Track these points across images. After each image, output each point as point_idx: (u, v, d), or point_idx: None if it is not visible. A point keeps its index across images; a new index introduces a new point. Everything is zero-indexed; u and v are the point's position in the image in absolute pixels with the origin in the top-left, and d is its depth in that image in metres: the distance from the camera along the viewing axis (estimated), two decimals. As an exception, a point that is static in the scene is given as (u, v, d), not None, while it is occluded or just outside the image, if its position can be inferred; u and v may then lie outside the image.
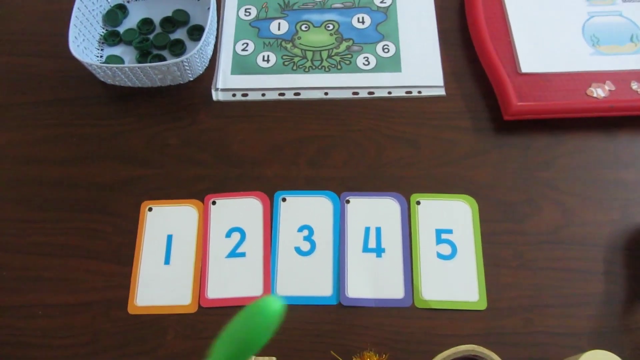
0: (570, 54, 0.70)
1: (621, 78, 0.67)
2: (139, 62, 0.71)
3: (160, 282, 0.59)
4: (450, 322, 0.57)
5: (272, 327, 0.32)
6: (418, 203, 0.63)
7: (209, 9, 0.69)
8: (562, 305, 0.58)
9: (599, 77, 0.68)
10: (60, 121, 0.69)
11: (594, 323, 0.57)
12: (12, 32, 0.75)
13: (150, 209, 0.63)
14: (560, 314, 0.57)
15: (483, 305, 0.58)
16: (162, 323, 0.58)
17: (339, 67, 0.70)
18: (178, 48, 0.72)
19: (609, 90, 0.66)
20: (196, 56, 0.66)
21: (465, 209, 0.62)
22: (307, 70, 0.70)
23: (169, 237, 0.61)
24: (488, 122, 0.67)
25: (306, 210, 0.62)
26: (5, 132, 0.69)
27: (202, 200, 0.63)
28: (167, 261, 0.60)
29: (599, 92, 0.66)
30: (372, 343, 0.56)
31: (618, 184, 0.63)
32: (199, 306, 0.58)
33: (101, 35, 0.73)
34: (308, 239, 0.61)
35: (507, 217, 0.62)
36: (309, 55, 0.71)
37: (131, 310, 0.58)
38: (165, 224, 0.62)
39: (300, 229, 0.62)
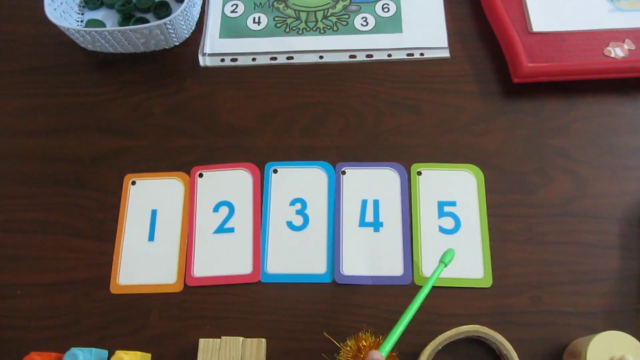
0: (587, 10, 0.64)
1: (642, 36, 0.62)
2: (121, 26, 0.66)
3: (144, 259, 0.56)
4: (453, 301, 0.54)
5: None
6: (419, 173, 0.58)
7: (194, -33, 0.64)
8: (573, 282, 0.54)
9: (618, 35, 0.62)
10: (37, 91, 0.65)
11: (607, 301, 0.53)
12: (-14, -4, 0.71)
13: (133, 183, 0.59)
14: (572, 292, 0.53)
15: (488, 283, 0.54)
16: (146, 303, 0.55)
17: (335, 28, 0.65)
18: (163, 11, 0.67)
19: (629, 50, 0.61)
20: (180, 18, 0.61)
21: (469, 180, 0.58)
22: (300, 32, 0.65)
23: (154, 212, 0.58)
24: (496, 85, 0.62)
25: (299, 182, 0.59)
26: (-19, 103, 0.65)
27: (189, 173, 0.60)
28: (151, 237, 0.57)
29: (617, 51, 0.61)
30: (368, 323, 0.53)
31: (636, 152, 0.59)
32: (185, 285, 0.55)
33: (81, -2, 0.69)
34: (301, 212, 0.57)
35: (515, 188, 0.58)
36: (303, 16, 0.66)
37: (114, 290, 0.55)
38: (150, 198, 0.59)
39: (293, 203, 0.58)
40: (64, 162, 0.61)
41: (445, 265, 0.50)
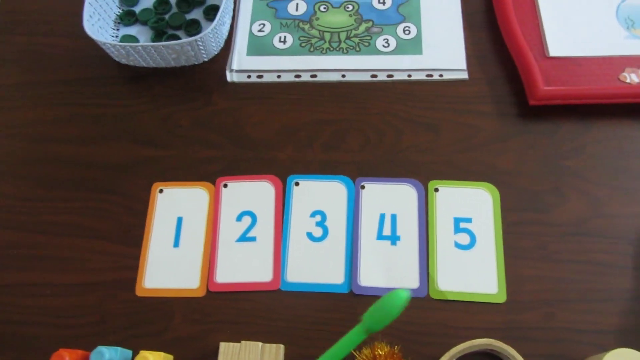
0: (603, 37, 0.66)
1: (657, 63, 0.63)
2: (154, 42, 0.70)
3: (168, 264, 0.58)
4: (467, 315, 0.55)
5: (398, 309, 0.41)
6: (436, 190, 0.60)
7: (225, -12, 0.68)
8: (586, 300, 0.55)
9: (634, 61, 0.64)
10: (74, 101, 0.68)
11: (620, 320, 0.54)
12: (28, 11, 0.75)
13: (161, 191, 0.62)
14: (584, 310, 0.54)
15: (502, 298, 0.55)
16: (169, 306, 0.57)
17: (357, 48, 0.68)
18: (194, 28, 0.70)
19: (644, 76, 0.63)
20: (210, 35, 0.64)
21: (486, 197, 0.60)
22: (324, 51, 0.68)
23: (179, 220, 0.60)
24: (512, 107, 0.64)
25: (319, 195, 0.61)
26: (19, 111, 0.68)
27: (214, 183, 0.62)
28: (176, 244, 0.59)
29: (632, 77, 0.63)
30: (383, 333, 0.54)
31: (650, 174, 0.60)
32: (207, 290, 0.57)
33: (117, 14, 0.72)
34: (321, 224, 0.59)
35: (530, 206, 0.59)
36: (327, 36, 0.69)
37: (139, 292, 0.57)
38: (176, 206, 0.61)
39: (313, 214, 0.60)
40: (95, 169, 0.64)
41: (369, 333, 0.42)
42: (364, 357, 0.51)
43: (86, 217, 0.61)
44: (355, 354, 0.51)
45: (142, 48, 0.64)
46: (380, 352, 0.50)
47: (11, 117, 0.68)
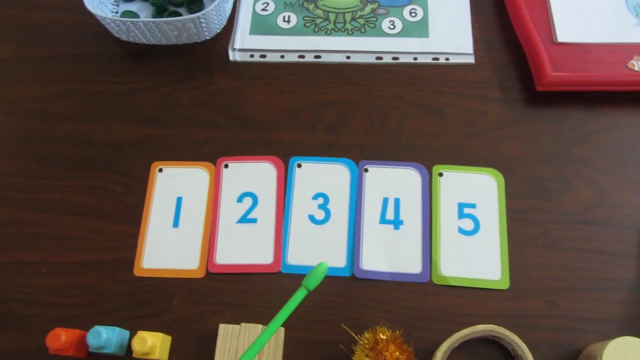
0: (612, 24, 0.65)
1: (667, 50, 0.62)
2: (155, 18, 0.68)
3: (168, 244, 0.57)
4: (470, 301, 0.54)
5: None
6: (440, 175, 0.59)
7: (229, -36, 0.66)
8: (590, 288, 0.54)
9: (642, 49, 0.63)
10: (73, 77, 0.67)
11: (624, 309, 0.53)
12: (27, -16, 0.73)
13: (160, 170, 0.61)
14: (588, 298, 0.54)
15: (505, 285, 0.55)
16: (168, 287, 0.56)
17: (362, 30, 0.67)
18: (196, 5, 0.69)
19: (653, 64, 0.62)
20: (213, 12, 0.63)
21: (490, 183, 0.59)
22: (329, 32, 0.67)
23: (179, 200, 0.59)
24: (519, 92, 0.63)
25: (322, 177, 0.60)
26: (17, 86, 0.67)
27: (214, 163, 0.61)
28: (175, 224, 0.58)
29: (641, 65, 0.62)
30: (385, 318, 0.54)
31: (657, 163, 0.59)
32: (207, 271, 0.56)
33: (117, -10, 0.71)
34: (323, 207, 0.58)
35: (535, 193, 0.58)
36: (332, 17, 0.68)
37: (137, 272, 0.56)
38: (176, 185, 0.60)
39: (315, 197, 0.59)
40: (94, 147, 0.63)
41: (308, 291, 0.46)
42: (366, 342, 0.50)
43: (84, 196, 0.60)
44: (357, 337, 0.51)
45: (144, 24, 0.62)
46: (383, 337, 0.50)
47: (6, 93, 0.67)
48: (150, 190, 0.60)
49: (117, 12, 0.69)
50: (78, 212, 0.59)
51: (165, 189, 0.60)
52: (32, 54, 0.69)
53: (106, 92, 0.66)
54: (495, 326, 0.51)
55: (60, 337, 0.49)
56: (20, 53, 0.69)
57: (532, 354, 0.50)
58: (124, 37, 0.67)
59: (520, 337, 0.50)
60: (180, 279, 0.56)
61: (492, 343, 0.53)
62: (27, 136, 0.64)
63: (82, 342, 0.51)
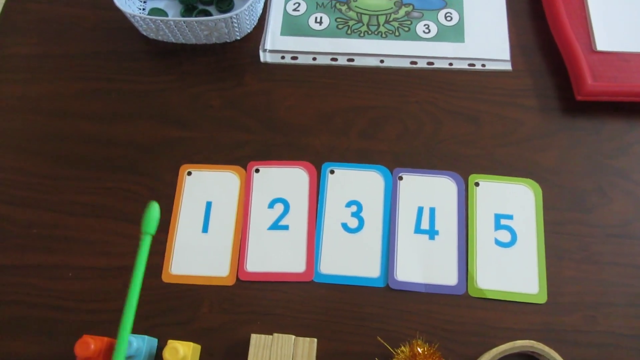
0: (651, 33, 0.64)
1: None
2: (184, 16, 0.66)
3: (197, 250, 0.56)
4: (506, 315, 0.53)
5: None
6: (477, 184, 0.58)
7: (260, -37, 0.65)
8: (629, 304, 0.53)
9: (683, 59, 0.62)
10: (98, 75, 0.65)
11: (664, 326, 0.52)
12: (52, -21, 0.71)
13: (189, 173, 0.59)
14: (627, 314, 0.53)
15: (543, 299, 0.53)
16: (197, 294, 0.54)
17: (396, 33, 0.65)
18: (225, 4, 0.67)
19: (693, 75, 0.61)
20: (246, 13, 0.61)
21: (528, 194, 0.57)
22: (362, 35, 0.65)
23: (208, 204, 0.58)
24: (557, 101, 0.62)
25: (355, 184, 0.58)
26: (40, 83, 0.65)
27: (245, 168, 0.59)
28: (205, 229, 0.57)
29: (681, 75, 0.60)
30: (420, 331, 0.52)
31: (697, 177, 0.58)
32: (237, 279, 0.55)
33: (144, -14, 0.69)
34: (356, 215, 0.57)
35: (573, 205, 0.57)
36: (365, 19, 0.66)
37: (165, 279, 0.55)
38: (205, 189, 0.58)
39: (349, 204, 0.57)
40: (120, 147, 0.61)
41: (152, 235, 0.47)
42: (403, 356, 0.49)
43: (110, 198, 0.59)
44: (393, 351, 0.50)
45: (174, 23, 0.60)
46: (420, 350, 0.48)
47: (29, 90, 0.65)
48: (179, 193, 0.58)
49: (144, 9, 0.68)
50: (102, 215, 0.58)
51: (195, 193, 0.58)
52: (54, 50, 0.67)
53: (132, 92, 0.64)
54: (535, 342, 0.50)
55: (90, 345, 0.48)
56: (42, 49, 0.67)
57: (571, 371, 0.48)
58: (152, 36, 0.65)
59: (558, 353, 0.49)
60: (210, 286, 0.55)
61: (529, 358, 0.51)
62: (50, 135, 0.62)
63: (111, 351, 0.49)
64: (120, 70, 0.65)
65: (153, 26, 0.62)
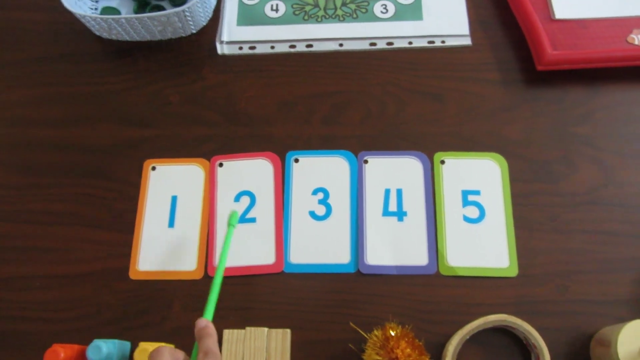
0: (609, -3, 0.63)
1: (667, 23, 0.61)
2: (137, 13, 0.65)
3: (163, 245, 0.55)
4: (479, 290, 0.53)
5: None
6: (442, 162, 0.58)
7: (211, -47, 0.63)
8: (600, 271, 0.53)
9: (642, 22, 0.61)
10: (52, 80, 0.64)
11: (635, 290, 0.52)
12: (-1, -17, 0.70)
13: (153, 168, 0.58)
14: (599, 281, 0.53)
15: (514, 272, 0.53)
16: (167, 293, 0.54)
17: (354, 15, 0.64)
18: (178, -2, 0.66)
19: (653, 37, 0.60)
20: (199, 5, 0.60)
21: (494, 169, 0.57)
22: (319, 20, 0.64)
23: (174, 198, 0.57)
24: (519, 73, 0.61)
25: (321, 171, 0.58)
26: (-5, 92, 0.64)
27: (209, 161, 0.59)
28: (171, 224, 0.56)
29: (641, 38, 0.60)
30: (394, 313, 0.52)
31: (662, 139, 0.58)
32: (206, 273, 0.54)
33: (95, -15, 0.67)
34: (323, 202, 0.57)
35: (540, 176, 0.57)
36: (322, 3, 0.65)
37: (133, 275, 0.54)
38: (170, 184, 0.58)
39: (315, 192, 0.57)
40: (80, 152, 0.60)
41: (234, 227, 0.54)
42: (376, 339, 0.49)
43: (73, 204, 0.58)
44: (366, 335, 0.49)
45: (126, 20, 0.59)
46: (392, 333, 0.48)
47: (-15, 99, 0.64)
48: (144, 189, 0.58)
49: (96, 9, 0.66)
50: (68, 222, 0.57)
51: (159, 187, 0.58)
52: (8, 57, 0.65)
53: (90, 94, 0.63)
54: (507, 315, 0.50)
55: (59, 354, 0.47)
56: (-4, 57, 0.66)
57: (544, 341, 0.48)
58: (105, 35, 0.64)
59: (532, 324, 0.49)
60: (180, 283, 0.54)
61: (504, 332, 0.52)
62: (8, 144, 0.61)
63: (82, 358, 0.49)
64: (76, 73, 0.64)
65: (105, 25, 0.61)
